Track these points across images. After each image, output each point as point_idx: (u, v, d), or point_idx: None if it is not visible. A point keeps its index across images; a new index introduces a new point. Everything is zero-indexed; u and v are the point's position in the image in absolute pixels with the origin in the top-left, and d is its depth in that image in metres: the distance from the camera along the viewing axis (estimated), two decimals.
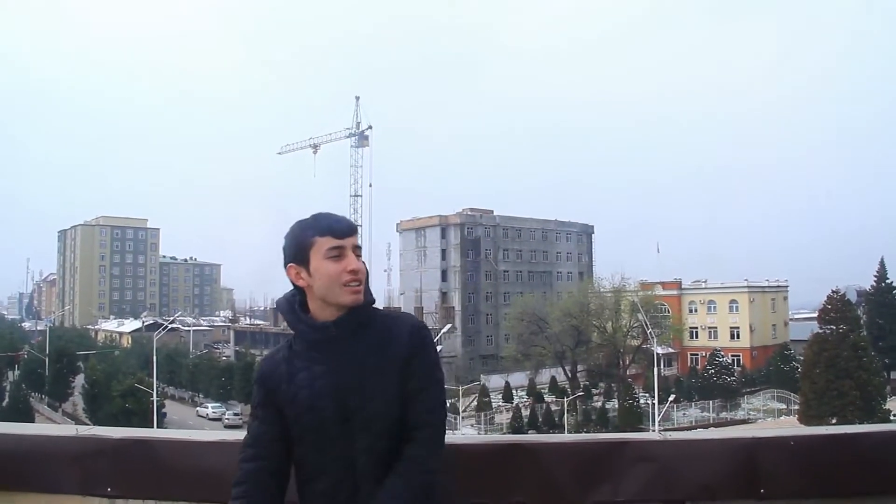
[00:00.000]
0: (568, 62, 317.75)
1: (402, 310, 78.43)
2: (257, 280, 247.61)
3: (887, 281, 69.40)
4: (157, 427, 44.31)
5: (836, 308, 50.94)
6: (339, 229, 2.17)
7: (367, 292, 2.24)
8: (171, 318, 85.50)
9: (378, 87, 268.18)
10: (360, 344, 2.17)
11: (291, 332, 2.27)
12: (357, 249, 2.20)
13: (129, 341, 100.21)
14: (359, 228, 2.23)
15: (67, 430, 3.07)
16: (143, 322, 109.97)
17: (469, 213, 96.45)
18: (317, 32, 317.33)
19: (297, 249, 2.18)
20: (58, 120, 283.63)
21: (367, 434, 2.12)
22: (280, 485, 2.23)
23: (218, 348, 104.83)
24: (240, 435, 3.08)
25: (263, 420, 2.23)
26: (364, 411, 2.12)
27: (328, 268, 2.14)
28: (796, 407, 54.36)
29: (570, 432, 49.43)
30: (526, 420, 55.91)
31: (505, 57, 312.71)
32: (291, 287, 2.27)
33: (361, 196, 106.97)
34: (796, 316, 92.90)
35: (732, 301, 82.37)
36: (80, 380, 63.20)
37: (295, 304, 2.24)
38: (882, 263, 69.85)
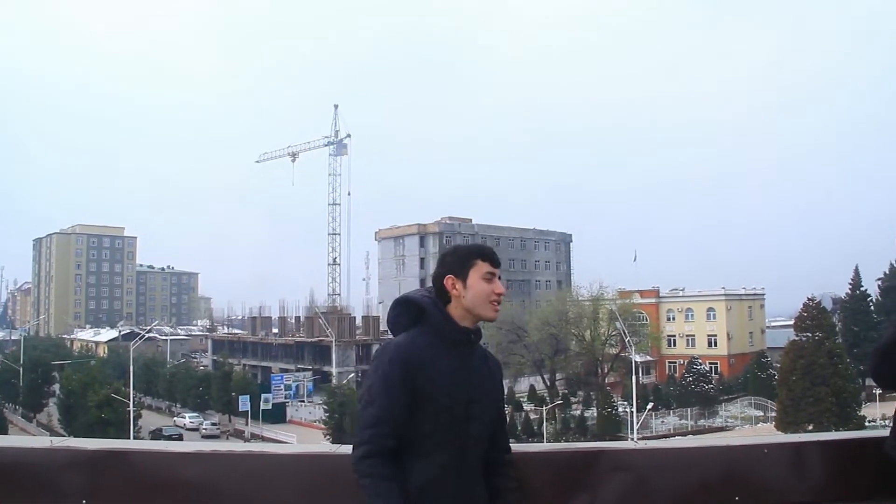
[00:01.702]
0: (548, 71, 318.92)
1: (382, 318, 78.24)
2: (235, 289, 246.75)
3: (862, 289, 70.12)
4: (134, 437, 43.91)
5: (811, 316, 51.33)
6: (496, 260, 2.65)
7: None
8: (148, 328, 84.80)
9: (356, 96, 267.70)
10: (475, 353, 2.66)
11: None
12: (501, 279, 2.66)
13: (106, 351, 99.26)
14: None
15: (42, 441, 3.04)
16: (120, 331, 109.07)
17: (447, 221, 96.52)
18: (295, 40, 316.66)
19: (461, 265, 2.63)
20: (33, 127, 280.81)
21: (479, 423, 2.57)
22: (400, 460, 2.48)
23: (196, 357, 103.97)
24: (216, 446, 3.07)
25: (396, 398, 2.46)
26: (481, 404, 2.57)
27: (483, 287, 2.60)
28: (773, 414, 54.68)
29: (549, 441, 49.46)
30: None
31: (484, 66, 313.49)
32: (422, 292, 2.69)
33: (340, 204, 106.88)
34: (773, 324, 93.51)
35: (710, 309, 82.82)
36: (55, 390, 62.48)
37: (438, 304, 2.63)
38: (857, 271, 70.62)
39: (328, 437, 51.45)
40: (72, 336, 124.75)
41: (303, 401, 69.01)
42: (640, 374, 62.03)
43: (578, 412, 61.81)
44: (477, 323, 2.66)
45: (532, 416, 59.28)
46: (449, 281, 2.62)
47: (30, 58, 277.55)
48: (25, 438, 3.51)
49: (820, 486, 2.83)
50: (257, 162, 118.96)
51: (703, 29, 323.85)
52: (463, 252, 2.67)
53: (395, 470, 2.44)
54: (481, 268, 2.61)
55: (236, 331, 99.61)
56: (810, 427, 45.86)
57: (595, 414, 59.02)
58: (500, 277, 2.66)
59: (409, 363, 2.49)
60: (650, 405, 52.62)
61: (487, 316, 2.62)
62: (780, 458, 2.88)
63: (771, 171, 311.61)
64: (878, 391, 55.32)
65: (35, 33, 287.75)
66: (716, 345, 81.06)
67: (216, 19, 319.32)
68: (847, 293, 71.69)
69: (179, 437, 56.81)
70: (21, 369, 65.23)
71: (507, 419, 3.06)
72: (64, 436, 38.46)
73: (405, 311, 2.65)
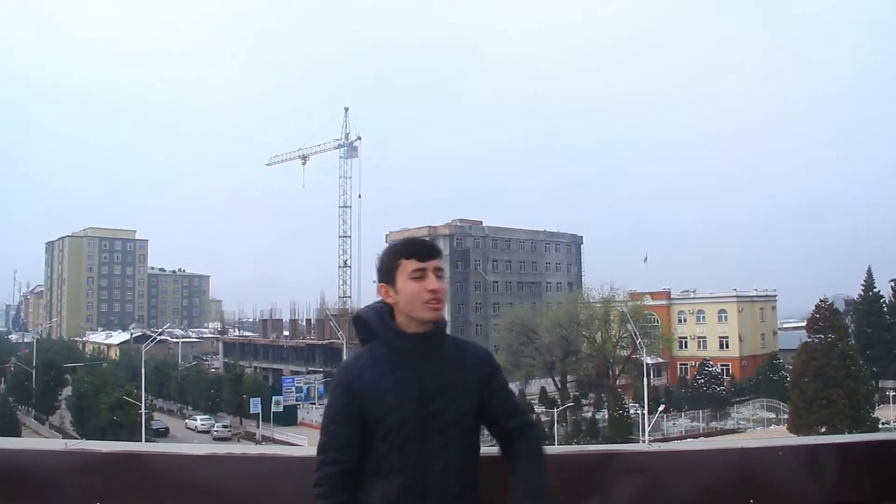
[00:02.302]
0: (557, 74, 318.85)
1: None
2: (246, 291, 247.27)
3: (874, 290, 69.70)
4: (148, 440, 44.04)
5: (824, 317, 51.09)
6: (422, 253, 2.45)
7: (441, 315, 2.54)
8: (160, 330, 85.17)
9: (367, 99, 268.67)
10: (439, 357, 2.46)
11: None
12: (438, 271, 2.47)
13: (118, 353, 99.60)
14: (440, 253, 2.33)
15: (56, 444, 3.05)
16: (132, 334, 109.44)
17: (458, 223, 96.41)
18: (307, 44, 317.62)
19: (387, 270, 2.47)
20: (46, 131, 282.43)
21: (442, 437, 2.39)
22: (356, 486, 2.41)
23: (207, 360, 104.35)
24: (230, 448, 3.07)
25: (346, 425, 2.40)
26: (443, 416, 2.39)
27: (410, 287, 2.42)
28: (786, 416, 54.40)
29: (560, 443, 49.36)
30: None
31: (495, 68, 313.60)
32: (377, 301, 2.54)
33: (350, 207, 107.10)
34: (785, 325, 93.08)
35: (721, 311, 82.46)
36: (67, 392, 62.77)
37: (384, 313, 2.49)
38: (869, 272, 70.22)
39: None
40: (84, 339, 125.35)
41: (313, 403, 69.11)
42: (652, 376, 61.84)
43: (589, 414, 61.72)
44: (431, 323, 2.47)
45: (543, 418, 59.18)
46: (382, 290, 2.49)
47: (45, 62, 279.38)
48: (40, 441, 3.53)
49: (835, 488, 2.82)
50: (268, 165, 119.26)
51: (718, 32, 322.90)
52: (387, 254, 2.51)
53: (345, 498, 2.37)
54: (406, 266, 2.44)
55: (247, 333, 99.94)
56: (823, 429, 45.63)
57: (606, 416, 58.94)
58: (440, 270, 2.47)
59: (351, 385, 2.41)
60: (661, 407, 52.42)
61: (425, 318, 2.44)
62: (795, 461, 2.86)
63: (782, 173, 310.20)
64: (892, 393, 55.06)
65: (52, 37, 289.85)
66: (727, 346, 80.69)
67: (230, 26, 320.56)
68: (860, 294, 71.28)
69: (166, 431, 57.33)
70: (34, 372, 65.55)
71: (514, 404, 2.62)
72: (76, 438, 38.61)
73: (358, 327, 2.57)
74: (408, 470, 2.38)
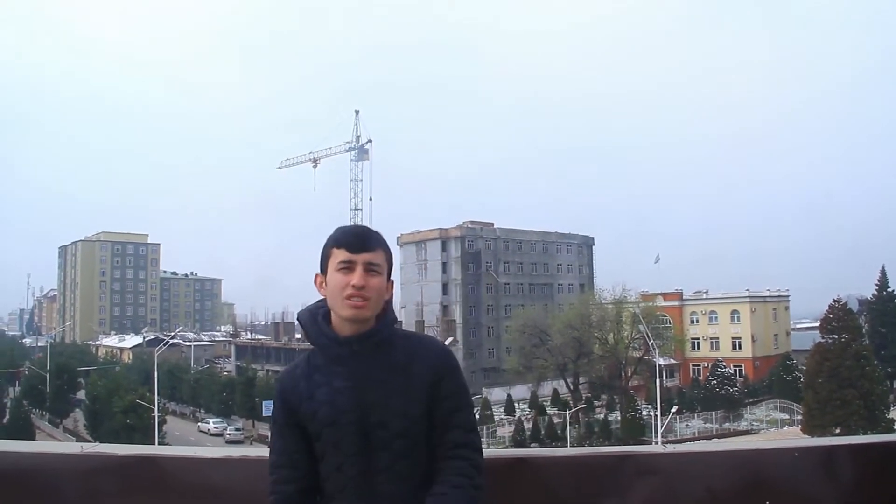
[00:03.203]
0: (562, 75, 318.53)
1: (404, 323, 78.28)
2: (258, 295, 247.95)
3: (888, 289, 69.31)
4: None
5: (837, 317, 50.83)
6: (353, 244, 2.18)
7: (389, 311, 2.27)
8: (172, 334, 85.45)
9: (378, 102, 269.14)
10: (382, 361, 2.19)
11: (300, 346, 2.26)
12: (372, 266, 2.18)
13: (130, 357, 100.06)
14: (380, 245, 2.04)
15: (72, 447, 3.07)
16: (144, 337, 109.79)
17: (469, 225, 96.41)
18: (317, 47, 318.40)
19: (322, 260, 2.23)
20: (59, 136, 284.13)
21: (387, 452, 2.13)
22: (314, 502, 2.24)
23: (219, 363, 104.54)
24: (245, 451, 3.08)
25: (289, 438, 2.23)
26: (385, 429, 2.13)
27: (336, 280, 2.16)
28: (799, 417, 54.19)
29: (573, 445, 49.28)
30: (528, 433, 55.74)
31: (500, 69, 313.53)
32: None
33: (362, 210, 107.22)
34: (798, 325, 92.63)
35: (734, 311, 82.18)
36: (81, 396, 63.07)
37: (319, 316, 2.25)
38: (883, 272, 69.79)
39: None
40: (97, 342, 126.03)
41: None
42: (664, 378, 61.67)
43: (602, 416, 61.65)
44: (370, 322, 2.20)
45: (556, 419, 59.12)
46: (317, 280, 2.25)
47: (60, 69, 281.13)
48: (56, 444, 3.55)
49: (852, 490, 2.80)
50: (279, 168, 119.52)
51: (723, 31, 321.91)
52: (326, 241, 2.25)
53: None
54: (336, 257, 2.18)
55: (259, 336, 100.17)
56: (837, 430, 45.39)
57: (619, 417, 58.85)
58: (372, 265, 2.18)
59: (287, 401, 2.23)
60: (674, 408, 52.29)
61: (343, 314, 2.16)
62: (811, 463, 2.84)
63: (795, 171, 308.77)
64: None
65: (69, 45, 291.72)
66: (740, 347, 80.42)
67: (239, 30, 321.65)
68: (873, 294, 70.94)
69: None
70: (48, 375, 65.94)
71: (468, 409, 2.24)
72: (90, 441, 38.82)
73: (301, 331, 2.33)
74: (351, 492, 2.14)
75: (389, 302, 2.28)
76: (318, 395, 2.16)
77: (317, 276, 2.24)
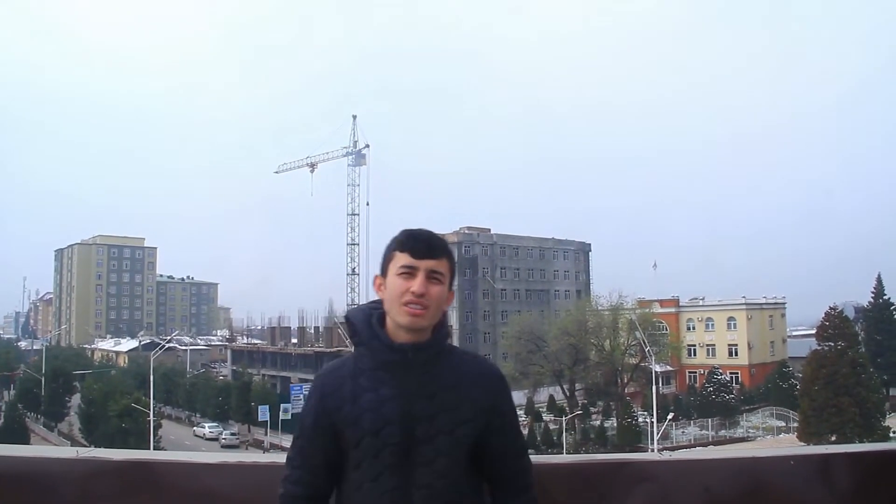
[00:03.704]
0: (561, 82, 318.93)
1: None
2: (255, 299, 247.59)
3: (885, 297, 69.39)
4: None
5: (833, 325, 50.87)
6: (417, 249, 2.09)
7: (445, 323, 2.19)
8: (168, 338, 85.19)
9: (375, 107, 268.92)
10: (434, 375, 2.11)
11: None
12: (434, 273, 2.09)
13: (126, 361, 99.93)
14: (444, 252, 2.00)
15: (68, 451, 3.06)
16: (140, 341, 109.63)
17: (466, 231, 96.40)
18: (314, 51, 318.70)
19: (383, 261, 2.15)
20: (55, 139, 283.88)
21: (427, 470, 2.05)
22: None
23: (215, 367, 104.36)
24: (241, 456, 3.08)
25: (315, 441, 2.13)
26: (430, 445, 2.05)
27: (395, 284, 2.08)
28: (795, 424, 54.19)
29: (569, 451, 49.25)
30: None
31: (499, 75, 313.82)
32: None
33: (359, 215, 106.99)
34: (794, 333, 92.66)
35: (730, 318, 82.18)
36: (76, 399, 62.93)
37: (373, 317, 2.16)
38: (879, 280, 69.96)
39: None
40: (93, 346, 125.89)
41: None
42: (660, 384, 61.71)
43: (598, 422, 61.58)
44: (427, 332, 2.12)
45: (552, 426, 59.07)
46: (377, 281, 2.17)
47: (56, 71, 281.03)
48: (51, 448, 3.55)
49: (848, 498, 2.81)
50: (276, 172, 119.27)
51: (722, 38, 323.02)
52: (388, 244, 2.17)
53: None
54: (398, 261, 2.09)
55: (255, 341, 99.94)
56: (833, 438, 45.42)
57: (615, 424, 58.78)
58: (437, 274, 2.10)
59: (327, 401, 2.11)
60: (670, 415, 52.27)
61: (400, 321, 2.07)
62: (807, 470, 2.85)
63: (791, 178, 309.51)
64: None
65: (64, 47, 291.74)
66: (736, 354, 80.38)
67: (237, 34, 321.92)
68: (869, 302, 71.09)
69: None
70: (43, 379, 65.84)
71: (524, 449, 2.26)
72: (85, 445, 38.74)
73: (350, 330, 2.22)
74: None
75: (446, 313, 2.20)
76: (363, 401, 2.07)
77: (376, 277, 2.17)
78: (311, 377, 78.08)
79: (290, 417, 62.63)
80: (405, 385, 2.07)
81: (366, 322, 2.14)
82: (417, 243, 2.10)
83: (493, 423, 2.14)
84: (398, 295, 2.06)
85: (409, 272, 2.07)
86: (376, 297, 2.21)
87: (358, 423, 2.05)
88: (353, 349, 2.23)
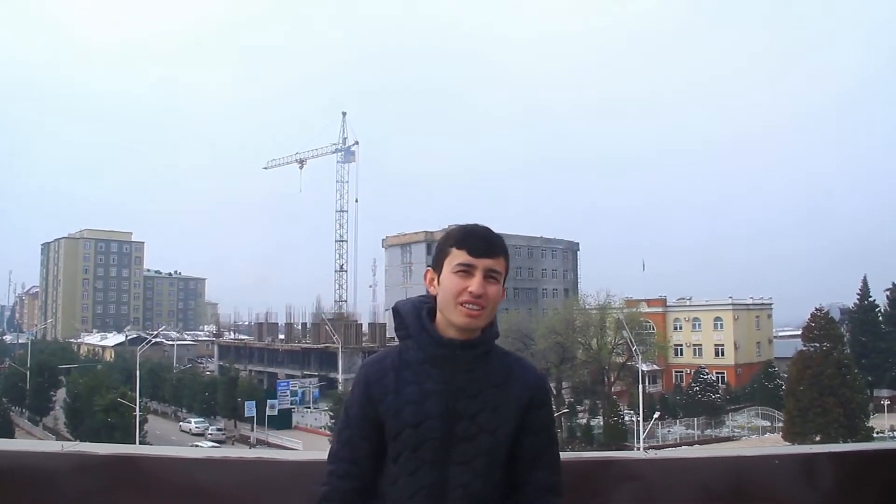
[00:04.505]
0: (555, 81, 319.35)
1: (388, 326, 77.89)
2: (242, 295, 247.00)
3: (870, 299, 69.92)
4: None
5: (819, 326, 51.13)
6: (476, 247, 2.03)
7: (493, 325, 2.14)
8: (155, 333, 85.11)
9: (365, 104, 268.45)
10: (479, 374, 2.07)
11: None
12: (492, 273, 2.04)
13: (112, 355, 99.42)
14: (502, 251, 2.00)
15: (53, 446, 3.04)
16: (127, 336, 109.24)
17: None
18: (304, 48, 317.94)
19: (437, 256, 2.09)
20: (42, 133, 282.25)
21: (465, 468, 2.01)
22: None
23: (202, 363, 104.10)
24: (226, 452, 3.07)
25: (360, 430, 2.07)
26: (470, 443, 2.01)
27: (452, 282, 2.02)
28: (780, 424, 54.47)
29: None
30: None
31: (492, 74, 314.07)
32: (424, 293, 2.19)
33: (347, 211, 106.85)
34: (780, 333, 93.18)
35: (717, 318, 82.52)
36: (61, 394, 62.63)
37: (423, 310, 2.12)
38: (865, 282, 70.43)
39: None
40: (79, 340, 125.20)
41: (308, 407, 69.12)
42: (647, 384, 61.92)
43: (585, 421, 61.72)
44: (477, 330, 2.07)
45: None
46: (428, 275, 2.12)
47: (42, 65, 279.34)
48: (36, 443, 3.52)
49: (831, 497, 2.83)
50: (265, 168, 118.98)
51: (717, 38, 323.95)
52: (442, 238, 2.13)
53: None
54: (455, 257, 2.04)
55: (242, 336, 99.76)
56: (818, 438, 45.68)
57: (601, 423, 58.93)
58: (495, 273, 2.05)
59: (371, 390, 2.06)
60: (657, 414, 52.49)
61: (456, 321, 2.03)
62: (791, 469, 2.87)
63: (779, 180, 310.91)
64: (886, 402, 55.19)
65: (48, 41, 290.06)
66: (723, 354, 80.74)
67: (228, 30, 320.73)
68: (855, 303, 71.62)
69: None
70: (28, 373, 65.52)
71: (556, 446, 2.19)
72: (70, 440, 38.56)
73: (396, 321, 2.18)
74: (420, 501, 2.01)
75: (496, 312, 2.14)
76: (406, 393, 2.02)
77: (428, 270, 2.12)
78: (298, 373, 78.28)
79: (276, 413, 62.60)
80: (450, 381, 2.04)
81: (415, 315, 2.11)
82: (477, 241, 2.05)
83: (531, 425, 2.11)
84: (455, 294, 2.02)
85: (467, 270, 2.02)
86: (413, 294, 2.21)
87: (399, 414, 2.01)
88: (398, 342, 2.18)
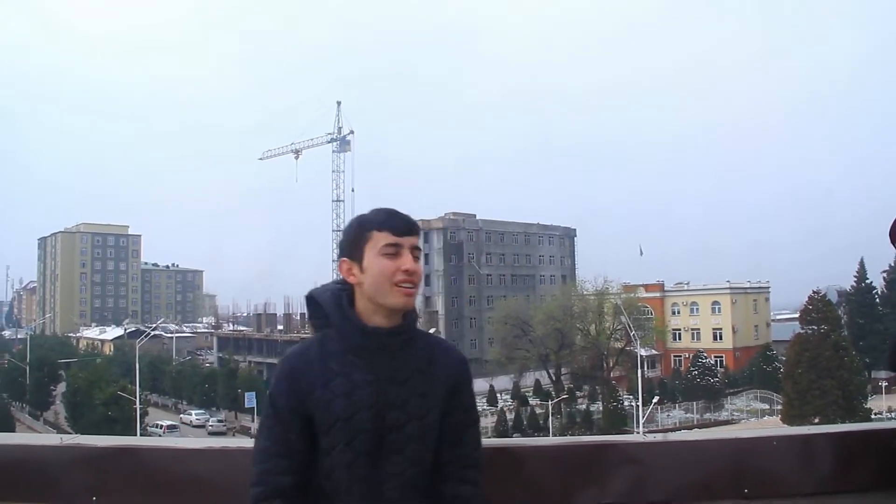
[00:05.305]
0: (551, 67, 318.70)
1: None
2: (240, 286, 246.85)
3: (867, 281, 70.04)
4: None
5: (817, 308, 51.23)
6: (399, 226, 2.01)
7: (413, 308, 2.09)
8: (154, 325, 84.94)
9: (360, 93, 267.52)
10: (406, 360, 2.03)
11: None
12: (416, 251, 2.03)
13: (112, 349, 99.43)
14: (419, 228, 1.95)
15: (52, 439, 3.05)
16: (126, 329, 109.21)
17: (451, 217, 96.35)
18: (299, 39, 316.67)
19: (353, 243, 2.02)
20: (38, 126, 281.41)
21: (398, 457, 1.98)
22: (306, 499, 2.01)
23: (201, 355, 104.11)
24: (226, 442, 3.07)
25: (292, 425, 1.99)
26: (402, 432, 1.97)
27: (382, 265, 1.97)
28: (779, 407, 54.67)
29: (555, 435, 49.48)
30: (511, 423, 55.91)
31: (487, 60, 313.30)
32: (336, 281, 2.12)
33: (343, 201, 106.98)
34: (778, 317, 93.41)
35: (715, 302, 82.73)
36: (61, 388, 62.69)
37: (342, 298, 2.05)
38: (862, 264, 70.50)
39: None
40: (78, 334, 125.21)
41: None
42: (646, 368, 62.06)
43: (584, 406, 61.95)
44: (399, 315, 2.03)
45: (538, 410, 59.35)
46: (344, 266, 2.04)
47: (38, 57, 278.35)
48: (35, 436, 3.54)
49: (828, 477, 2.84)
50: (261, 159, 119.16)
51: (713, 23, 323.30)
52: (354, 225, 2.06)
53: None
54: (378, 240, 1.99)
55: (241, 328, 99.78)
56: (816, 420, 45.81)
57: (601, 408, 59.13)
58: (416, 250, 2.03)
59: (298, 383, 1.98)
60: (656, 399, 52.62)
61: (394, 304, 1.98)
62: (789, 451, 2.88)
63: (776, 165, 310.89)
64: (884, 384, 55.40)
65: (43, 32, 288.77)
66: (721, 338, 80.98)
67: (221, 19, 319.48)
68: (852, 286, 71.68)
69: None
70: (27, 368, 65.53)
71: (478, 425, 2.18)
72: (71, 433, 38.63)
73: (312, 310, 2.11)
74: (355, 495, 1.97)
75: None
76: (335, 385, 1.96)
77: (343, 261, 2.04)
78: None
79: None
80: (378, 370, 1.99)
81: (335, 304, 2.04)
82: (398, 220, 2.02)
83: (455, 405, 2.08)
84: (389, 275, 1.97)
85: (395, 251, 1.99)
86: None
87: (330, 407, 1.95)
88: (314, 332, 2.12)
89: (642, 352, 59.40)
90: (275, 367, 2.18)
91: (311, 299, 2.10)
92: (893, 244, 2.54)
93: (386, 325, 2.01)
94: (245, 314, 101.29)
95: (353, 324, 2.01)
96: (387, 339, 2.00)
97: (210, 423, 60.78)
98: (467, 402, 2.14)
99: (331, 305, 2.04)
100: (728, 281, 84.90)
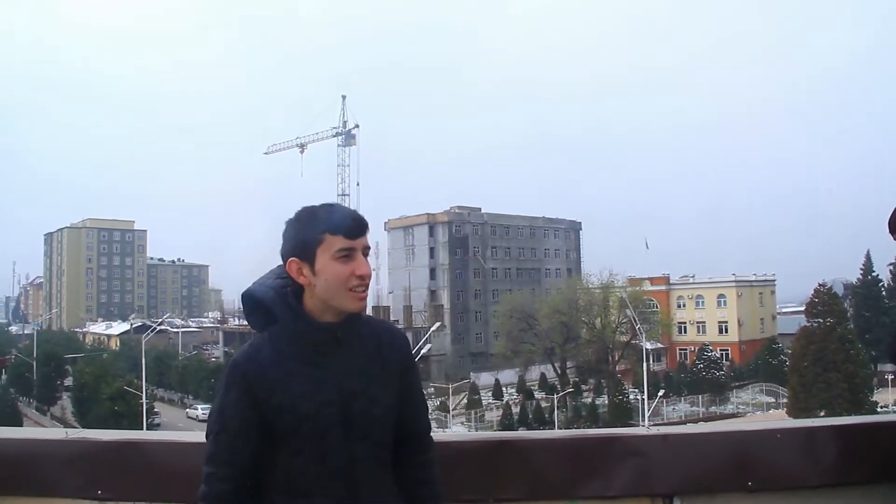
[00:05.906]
0: (556, 59, 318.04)
1: (392, 308, 77.97)
2: (245, 280, 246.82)
3: (873, 274, 69.95)
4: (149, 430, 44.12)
5: (822, 301, 51.18)
6: (352, 229, 1.97)
7: None
8: (160, 320, 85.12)
9: (365, 86, 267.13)
10: (359, 349, 2.05)
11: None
12: (366, 250, 2.02)
13: (118, 344, 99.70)
14: (367, 225, 1.96)
15: (57, 433, 3.05)
16: (132, 324, 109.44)
17: (457, 210, 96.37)
18: (304, 32, 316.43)
19: (303, 244, 1.98)
20: (44, 121, 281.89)
21: (368, 442, 2.02)
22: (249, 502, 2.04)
23: (207, 349, 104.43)
24: None
25: (242, 435, 1.99)
26: (367, 417, 2.00)
27: (336, 269, 1.95)
28: (785, 400, 54.64)
29: (560, 428, 49.49)
30: (516, 417, 55.96)
31: (494, 54, 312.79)
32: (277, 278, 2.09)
33: (349, 195, 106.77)
34: (784, 310, 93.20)
35: (720, 296, 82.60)
36: (68, 383, 62.89)
37: (288, 296, 2.02)
38: (868, 257, 70.46)
39: None
40: (84, 329, 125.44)
41: None
42: (651, 362, 62.02)
43: (589, 400, 61.96)
44: (343, 314, 2.03)
45: (543, 403, 59.39)
46: (293, 266, 1.99)
47: (42, 51, 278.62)
48: (41, 430, 3.55)
49: (833, 470, 2.83)
50: (266, 153, 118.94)
51: (716, 12, 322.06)
52: (304, 224, 2.01)
53: None
54: (331, 244, 1.95)
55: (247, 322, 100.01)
56: (822, 413, 45.77)
57: (606, 401, 59.14)
58: (367, 249, 2.03)
59: (252, 388, 1.97)
60: (661, 392, 52.66)
61: (349, 307, 1.99)
62: (793, 443, 2.88)
63: (782, 156, 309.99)
64: (891, 377, 55.31)
65: (49, 26, 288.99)
66: (726, 331, 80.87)
67: (227, 12, 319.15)
68: (858, 278, 71.59)
69: None
70: (34, 363, 65.69)
71: (423, 395, 2.31)
72: (78, 428, 38.71)
73: (250, 308, 2.08)
74: (335, 487, 1.99)
75: None
76: (295, 386, 1.96)
77: (293, 261, 1.99)
78: None
79: None
80: (336, 364, 2.01)
81: (283, 303, 2.02)
82: (350, 222, 1.99)
83: (408, 383, 2.16)
84: (343, 280, 1.96)
85: (349, 254, 1.97)
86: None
87: (295, 409, 1.95)
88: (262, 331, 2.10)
89: (648, 345, 59.43)
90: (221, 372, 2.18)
91: (250, 297, 2.08)
92: (893, 235, 2.54)
93: (337, 320, 2.02)
94: None
95: (306, 322, 2.00)
96: (341, 333, 2.02)
97: None
98: (417, 377, 2.24)
99: (278, 304, 2.02)
100: (734, 274, 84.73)
